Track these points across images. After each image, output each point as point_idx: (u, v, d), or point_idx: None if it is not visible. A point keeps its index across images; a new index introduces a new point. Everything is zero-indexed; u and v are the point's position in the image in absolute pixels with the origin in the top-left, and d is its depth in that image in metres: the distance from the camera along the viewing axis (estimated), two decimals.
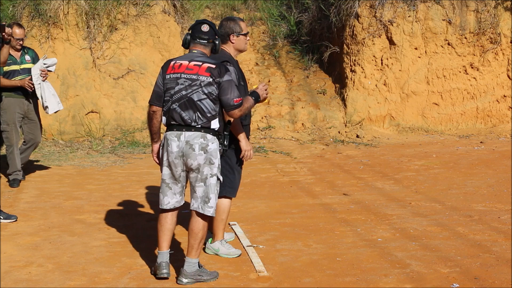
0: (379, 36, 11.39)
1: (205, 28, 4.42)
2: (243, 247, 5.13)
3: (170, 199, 4.43)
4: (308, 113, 11.39)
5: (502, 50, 11.46)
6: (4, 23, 5.88)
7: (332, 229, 5.66)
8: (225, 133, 4.43)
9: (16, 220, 5.93)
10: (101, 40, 10.73)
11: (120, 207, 6.47)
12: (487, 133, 11.06)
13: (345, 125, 11.28)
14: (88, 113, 10.58)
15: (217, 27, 4.68)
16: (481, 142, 10.38)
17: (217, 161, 4.34)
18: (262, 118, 11.26)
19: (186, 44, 4.49)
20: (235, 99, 4.30)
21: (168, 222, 4.45)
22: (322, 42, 12.18)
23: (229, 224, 5.79)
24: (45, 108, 7.34)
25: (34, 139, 7.46)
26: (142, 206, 6.54)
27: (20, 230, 5.66)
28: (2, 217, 5.86)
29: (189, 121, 4.30)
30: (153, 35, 11.04)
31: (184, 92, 4.30)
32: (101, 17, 10.72)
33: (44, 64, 7.32)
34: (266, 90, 4.56)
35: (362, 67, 11.45)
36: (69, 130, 10.40)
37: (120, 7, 10.93)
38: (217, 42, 4.43)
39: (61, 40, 10.55)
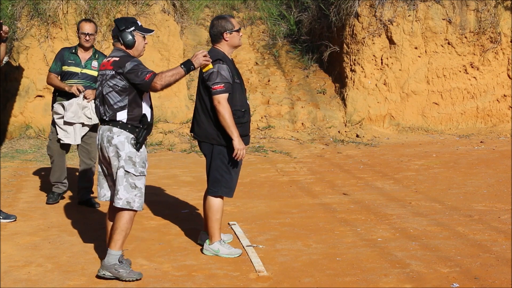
0: (379, 36, 11.38)
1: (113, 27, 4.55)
2: (243, 247, 5.12)
3: (106, 191, 4.55)
4: (308, 113, 11.38)
5: (502, 50, 11.45)
6: (1, 21, 5.82)
7: (332, 229, 5.65)
8: (142, 126, 4.36)
9: (15, 220, 5.92)
10: (100, 40, 10.71)
11: None
12: (487, 133, 11.05)
13: (345, 125, 11.27)
14: None
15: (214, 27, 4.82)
16: (481, 142, 10.37)
17: (124, 154, 4.33)
18: (261, 117, 11.25)
19: None
20: (145, 77, 4.29)
21: (111, 220, 4.52)
22: (322, 41, 12.17)
23: (228, 224, 5.78)
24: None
25: (88, 155, 6.47)
26: None
27: (20, 229, 5.65)
28: (1, 217, 5.85)
29: (102, 115, 4.42)
30: (153, 35, 11.01)
31: (100, 88, 4.45)
32: (101, 17, 10.71)
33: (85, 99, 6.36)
34: (204, 56, 4.44)
35: (362, 67, 11.44)
36: None
37: (119, 7, 10.92)
38: (122, 34, 4.42)
39: (60, 40, 10.53)
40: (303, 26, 12.81)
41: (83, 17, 10.60)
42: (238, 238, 5.36)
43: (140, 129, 4.37)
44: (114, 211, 4.45)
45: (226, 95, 4.69)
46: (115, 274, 4.35)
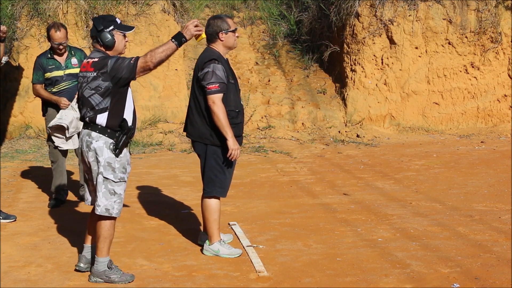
0: (380, 36, 11.36)
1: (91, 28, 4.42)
2: (243, 247, 5.11)
3: (89, 195, 4.48)
4: (308, 113, 11.37)
5: (503, 49, 11.44)
6: None
7: (332, 229, 5.64)
8: (122, 131, 4.26)
9: (15, 220, 5.92)
10: None
11: None
12: (488, 133, 11.04)
13: (345, 125, 11.26)
14: None
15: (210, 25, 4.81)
16: (481, 142, 10.36)
17: (102, 159, 4.24)
18: (262, 117, 11.24)
19: None
20: (130, 61, 4.18)
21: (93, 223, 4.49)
22: (322, 41, 12.16)
23: (228, 224, 5.77)
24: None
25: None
26: (141, 206, 6.52)
27: (19, 230, 5.64)
28: (1, 217, 5.85)
29: (84, 116, 4.32)
30: (153, 35, 11.02)
31: (80, 91, 4.34)
32: None
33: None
34: (196, 26, 4.32)
35: (362, 67, 11.43)
36: None
37: (119, 6, 10.91)
38: (101, 35, 4.30)
39: None
40: (303, 26, 12.80)
41: (83, 17, 10.61)
42: (238, 238, 5.35)
43: (120, 134, 4.26)
44: (95, 216, 4.41)
45: (220, 95, 4.68)
46: (107, 280, 4.34)
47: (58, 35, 6.30)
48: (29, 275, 4.53)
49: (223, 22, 4.82)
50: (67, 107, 6.23)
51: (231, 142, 4.70)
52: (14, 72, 10.45)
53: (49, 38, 6.41)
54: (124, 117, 4.28)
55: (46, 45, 10.36)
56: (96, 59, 4.26)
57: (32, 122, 10.32)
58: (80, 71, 4.38)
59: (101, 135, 4.26)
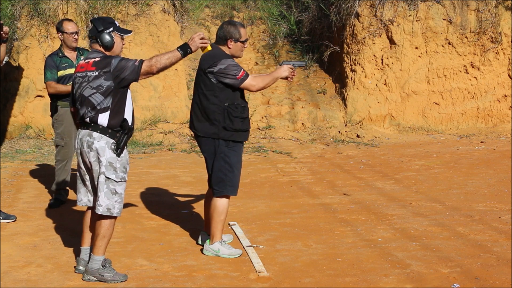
0: (380, 36, 11.37)
1: (90, 27, 4.42)
2: (243, 247, 5.11)
3: (83, 196, 4.50)
4: (308, 113, 11.37)
5: (503, 50, 11.44)
6: (1, 22, 5.81)
7: (332, 229, 5.65)
8: (123, 131, 4.29)
9: (15, 220, 5.91)
10: None
11: None
12: (488, 133, 11.04)
13: (345, 125, 11.26)
14: None
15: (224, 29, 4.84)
16: (481, 142, 10.36)
17: (104, 159, 4.26)
18: (262, 117, 11.24)
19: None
20: (134, 63, 4.23)
21: (89, 220, 4.53)
22: (322, 41, 12.16)
23: (228, 224, 5.77)
24: None
25: None
26: (141, 206, 6.52)
27: (19, 230, 5.64)
28: (1, 217, 5.85)
29: (84, 117, 4.32)
30: (153, 35, 11.02)
31: (79, 91, 4.34)
32: None
33: None
34: (201, 39, 4.37)
35: (362, 67, 11.43)
36: None
37: (119, 6, 10.91)
38: (101, 35, 4.34)
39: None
40: (303, 26, 12.80)
41: (83, 17, 10.61)
42: (238, 239, 5.35)
43: (121, 134, 4.30)
44: (95, 216, 4.42)
45: (250, 77, 4.77)
46: (100, 279, 4.35)
47: (71, 24, 6.44)
48: (29, 275, 4.53)
49: (235, 30, 4.84)
50: None
51: (281, 71, 4.86)
52: (14, 72, 10.45)
53: (62, 31, 6.43)
54: (125, 116, 4.33)
55: (47, 45, 10.39)
56: (97, 59, 4.30)
57: (32, 122, 10.32)
58: (77, 72, 4.39)
59: (102, 135, 4.28)
